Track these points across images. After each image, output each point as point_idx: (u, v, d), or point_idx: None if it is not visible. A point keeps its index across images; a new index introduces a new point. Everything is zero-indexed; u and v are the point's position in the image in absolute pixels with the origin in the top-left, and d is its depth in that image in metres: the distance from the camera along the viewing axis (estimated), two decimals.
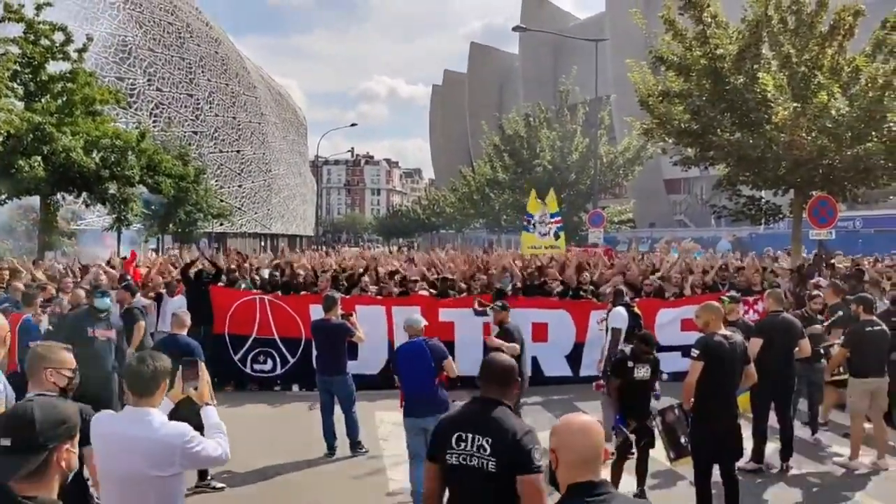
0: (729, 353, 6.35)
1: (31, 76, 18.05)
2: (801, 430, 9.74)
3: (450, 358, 7.25)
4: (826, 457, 9.00)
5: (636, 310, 10.06)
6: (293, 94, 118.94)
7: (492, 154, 40.65)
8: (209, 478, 8.01)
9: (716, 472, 6.59)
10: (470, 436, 3.55)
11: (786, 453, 8.45)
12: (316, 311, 12.97)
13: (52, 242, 19.73)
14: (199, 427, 3.96)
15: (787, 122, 14.11)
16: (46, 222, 19.16)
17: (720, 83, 15.20)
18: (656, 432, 6.92)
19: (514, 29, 31.10)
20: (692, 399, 6.52)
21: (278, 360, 13.02)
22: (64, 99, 18.25)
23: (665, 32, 16.21)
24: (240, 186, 64.59)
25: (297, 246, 68.70)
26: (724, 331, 6.53)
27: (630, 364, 7.02)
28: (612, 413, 7.41)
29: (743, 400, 8.74)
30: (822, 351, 9.25)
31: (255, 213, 68.39)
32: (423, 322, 7.42)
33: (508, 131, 37.64)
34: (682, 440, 6.62)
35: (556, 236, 17.47)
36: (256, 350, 13.02)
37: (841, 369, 8.96)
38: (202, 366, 7.76)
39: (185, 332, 8.12)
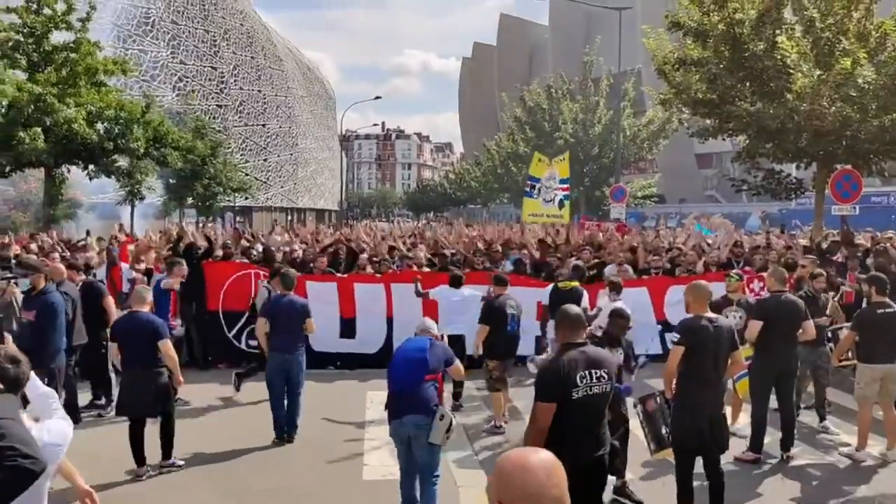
0: (713, 338, 5.82)
1: (33, 46, 17.80)
2: (809, 417, 9.23)
3: (458, 363, 6.49)
4: (832, 446, 8.44)
5: (564, 285, 9.76)
6: (326, 69, 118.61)
7: (513, 127, 39.96)
8: (173, 458, 7.75)
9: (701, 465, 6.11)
10: (591, 371, 4.61)
11: (786, 442, 7.93)
12: (311, 288, 12.72)
13: (57, 215, 19.61)
14: None
15: (807, 91, 13.36)
16: (51, 195, 19.01)
17: (739, 50, 14.45)
18: (637, 422, 6.42)
19: None
20: (674, 386, 6.03)
21: None
22: (67, 69, 17.97)
23: None
24: (265, 160, 64.54)
25: (326, 220, 68.76)
26: (709, 313, 5.99)
27: (606, 349, 6.46)
28: None
29: (742, 385, 8.28)
30: (829, 335, 8.67)
31: (282, 186, 68.41)
32: (435, 329, 6.71)
33: (530, 103, 36.87)
34: (664, 431, 6.11)
35: (561, 205, 16.20)
36: (252, 326, 12.72)
37: (850, 354, 8.37)
38: (168, 343, 7.54)
39: (146, 309, 7.72)
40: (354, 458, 8.10)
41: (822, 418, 9.05)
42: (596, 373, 4.62)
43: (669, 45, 16.40)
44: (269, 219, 59.51)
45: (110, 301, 10.00)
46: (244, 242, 15.18)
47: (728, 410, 8.84)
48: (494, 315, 9.22)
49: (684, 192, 63.81)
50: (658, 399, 6.19)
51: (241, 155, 57.78)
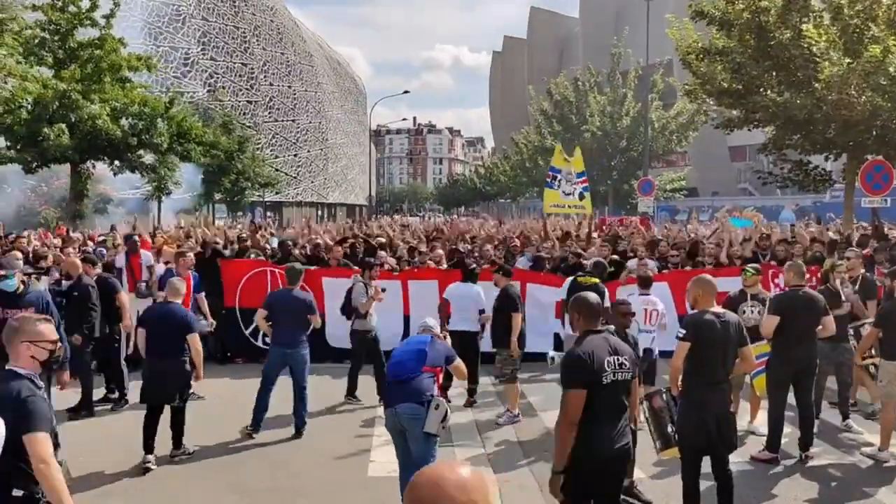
0: (720, 333, 5.62)
1: (59, 44, 18.00)
2: (831, 416, 8.95)
3: (459, 361, 6.50)
4: (854, 446, 8.15)
5: (585, 280, 9.49)
6: (357, 64, 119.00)
7: (540, 120, 39.65)
8: (183, 447, 7.83)
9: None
10: (614, 358, 4.57)
11: (805, 442, 7.65)
12: (329, 284, 12.67)
13: (83, 210, 19.83)
14: None
15: (835, 80, 12.97)
16: (77, 190, 19.23)
17: (764, 38, 14.08)
18: (643, 419, 6.23)
19: None
20: (679, 383, 5.84)
21: None
22: (92, 66, 18.14)
23: None
24: (295, 156, 64.87)
25: (356, 215, 68.96)
26: (716, 308, 5.79)
27: None
28: None
29: (759, 382, 8.04)
30: (851, 332, 8.38)
31: (312, 181, 68.73)
32: (437, 328, 6.70)
33: (556, 96, 36.53)
34: (670, 429, 5.92)
35: (581, 196, 15.70)
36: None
37: (873, 351, 8.08)
38: (197, 337, 7.65)
39: (179, 301, 7.89)
40: (361, 454, 8.02)
41: (844, 416, 8.76)
42: (618, 359, 4.61)
43: (694, 35, 16.07)
44: (300, 214, 59.85)
45: (123, 296, 10.05)
46: (260, 236, 15.15)
47: (747, 407, 8.70)
48: (520, 302, 9.47)
49: (717, 184, 62.97)
50: (664, 396, 6.00)
51: (271, 150, 58.15)
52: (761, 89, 14.70)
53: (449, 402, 9.47)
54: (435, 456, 5.89)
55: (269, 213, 52.39)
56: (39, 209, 32.97)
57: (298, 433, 8.60)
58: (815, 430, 7.89)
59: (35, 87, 16.22)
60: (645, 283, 9.21)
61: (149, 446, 7.52)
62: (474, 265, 10.84)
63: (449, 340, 6.85)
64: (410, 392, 5.84)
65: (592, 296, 4.92)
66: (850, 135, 14.22)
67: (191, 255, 11.12)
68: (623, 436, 4.69)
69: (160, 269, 12.35)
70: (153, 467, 7.44)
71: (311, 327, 8.91)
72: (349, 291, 10.30)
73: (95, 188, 26.86)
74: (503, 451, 8.16)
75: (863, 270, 9.69)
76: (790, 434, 7.87)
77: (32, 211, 33.06)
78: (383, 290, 10.27)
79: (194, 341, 7.62)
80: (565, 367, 4.64)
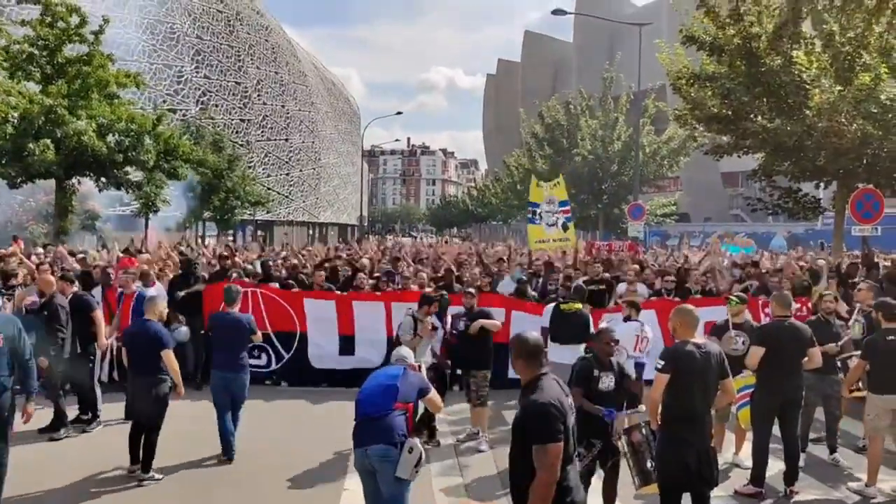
0: (701, 365, 5.44)
1: (47, 59, 17.90)
2: (818, 450, 8.76)
3: (433, 394, 5.99)
4: (841, 481, 7.96)
5: (568, 307, 9.39)
6: (352, 84, 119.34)
7: (531, 143, 39.67)
8: (151, 472, 7.66)
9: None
10: (567, 400, 4.27)
11: (790, 476, 7.46)
12: (311, 305, 12.49)
13: (66, 226, 19.61)
14: None
15: (825, 107, 12.90)
16: (62, 206, 19.04)
17: (755, 64, 14.03)
18: (622, 453, 6.03)
19: (554, 12, 29.83)
20: (658, 416, 5.65)
21: (273, 355, 12.45)
22: (80, 82, 18.04)
23: (696, 9, 15.07)
24: (287, 175, 64.74)
25: (349, 235, 68.84)
26: (697, 339, 5.62)
27: (595, 372, 6.11)
28: None
29: (744, 415, 7.87)
30: (839, 364, 8.22)
31: (304, 201, 68.58)
32: (411, 359, 6.31)
33: (548, 119, 36.57)
34: (649, 464, 5.72)
35: (565, 227, 15.33)
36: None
37: (860, 384, 7.92)
38: (170, 353, 7.55)
39: (156, 319, 7.79)
40: (336, 482, 7.79)
41: (832, 450, 8.58)
42: (569, 401, 4.30)
43: (685, 60, 16.02)
44: (291, 233, 59.75)
45: (99, 314, 9.79)
46: (241, 259, 14.98)
47: (732, 439, 8.52)
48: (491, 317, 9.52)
49: (709, 210, 63.08)
50: (643, 430, 5.81)
51: (264, 169, 58.05)
52: (751, 115, 14.63)
53: (431, 439, 9.34)
54: (407, 499, 5.53)
55: (260, 232, 52.18)
56: (27, 224, 32.73)
57: (228, 455, 8.36)
58: (801, 463, 7.72)
59: (21, 102, 16.06)
60: (636, 307, 9.14)
61: (135, 457, 7.69)
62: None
63: (424, 372, 6.61)
64: (381, 431, 5.39)
65: (532, 335, 4.45)
66: (840, 162, 14.15)
67: (133, 272, 11.24)
68: (580, 488, 4.41)
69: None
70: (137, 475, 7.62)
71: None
72: (399, 326, 9.91)
73: (84, 205, 26.65)
74: (481, 480, 7.95)
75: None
76: (775, 468, 7.68)
77: (20, 226, 32.79)
78: (434, 327, 9.40)
79: (168, 357, 7.58)
80: (542, 419, 4.09)
